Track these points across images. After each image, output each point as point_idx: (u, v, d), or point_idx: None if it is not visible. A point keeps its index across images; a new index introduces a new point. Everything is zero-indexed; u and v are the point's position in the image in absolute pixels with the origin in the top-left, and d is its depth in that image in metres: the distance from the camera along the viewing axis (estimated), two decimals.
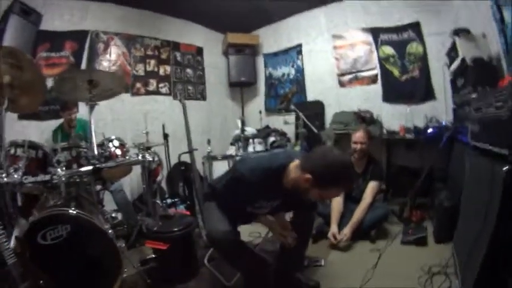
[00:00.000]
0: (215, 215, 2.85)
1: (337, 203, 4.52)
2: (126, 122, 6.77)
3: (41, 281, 2.50)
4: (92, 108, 3.51)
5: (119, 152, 4.10)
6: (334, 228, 4.29)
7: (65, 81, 3.72)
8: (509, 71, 3.28)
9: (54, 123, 5.45)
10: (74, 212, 2.88)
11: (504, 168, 1.93)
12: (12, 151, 3.30)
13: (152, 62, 7.55)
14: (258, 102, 9.34)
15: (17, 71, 3.12)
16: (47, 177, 3.12)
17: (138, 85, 7.25)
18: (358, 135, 4.75)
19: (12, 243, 2.45)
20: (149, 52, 7.52)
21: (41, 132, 5.37)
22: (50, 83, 5.44)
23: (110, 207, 4.99)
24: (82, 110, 5.43)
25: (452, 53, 4.66)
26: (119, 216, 4.92)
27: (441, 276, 3.14)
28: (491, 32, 3.98)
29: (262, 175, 2.63)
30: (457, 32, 4.36)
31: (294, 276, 3.27)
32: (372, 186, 4.56)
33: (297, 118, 6.29)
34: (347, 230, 4.20)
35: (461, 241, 3.01)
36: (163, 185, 6.24)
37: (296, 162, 2.64)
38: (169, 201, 5.77)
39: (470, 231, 2.65)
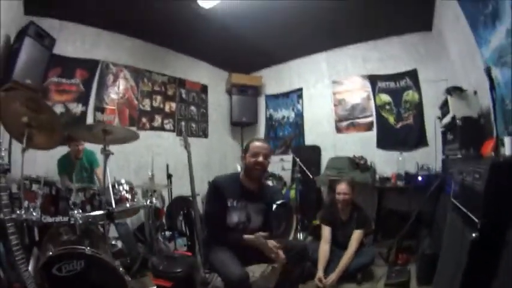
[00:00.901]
0: (224, 259, 3.18)
1: (323, 250, 4.73)
2: (130, 154, 6.84)
3: None
4: (106, 156, 3.76)
5: (128, 196, 4.39)
6: (320, 272, 4.48)
7: (81, 129, 4.02)
8: (496, 132, 3.42)
9: (62, 150, 5.42)
10: (90, 252, 3.10)
11: (473, 235, 2.17)
12: (28, 185, 3.53)
13: (158, 98, 7.72)
14: None
15: (35, 113, 3.42)
16: (65, 218, 3.41)
17: (144, 120, 7.40)
18: (341, 187, 4.93)
19: (31, 272, 2.63)
20: (156, 88, 7.69)
21: (50, 158, 5.36)
22: (58, 109, 5.73)
23: (110, 234, 5.02)
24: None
25: (444, 108, 4.80)
26: (119, 244, 5.06)
27: None
28: (484, 87, 4.01)
29: (225, 178, 3.63)
30: (450, 91, 4.48)
31: None
32: (357, 234, 4.71)
33: (294, 163, 6.44)
34: (334, 276, 4.39)
35: (439, 286, 3.24)
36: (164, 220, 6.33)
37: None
38: (167, 234, 5.90)
39: (445, 278, 2.88)
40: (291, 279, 3.46)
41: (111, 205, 3.84)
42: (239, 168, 6.00)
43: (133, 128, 6.97)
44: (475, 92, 4.32)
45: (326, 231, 4.93)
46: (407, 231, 4.88)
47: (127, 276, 3.33)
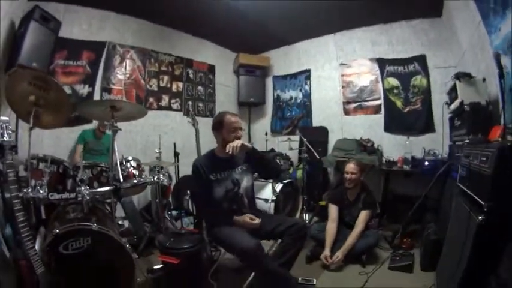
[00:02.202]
0: (232, 232, 3.37)
1: (330, 229, 4.77)
2: (137, 134, 6.95)
3: None
4: (114, 132, 3.71)
5: (136, 172, 4.40)
6: (327, 251, 4.52)
7: (89, 106, 4.01)
8: (504, 119, 3.39)
9: (68, 130, 5.66)
10: (96, 228, 3.11)
11: (479, 218, 2.17)
12: (35, 164, 3.57)
13: (166, 78, 7.74)
14: (265, 123, 9.61)
15: (43, 92, 3.42)
16: (72, 195, 3.37)
17: (151, 100, 7.42)
18: (350, 166, 5.02)
19: (37, 251, 2.61)
20: (163, 68, 7.71)
21: (56, 139, 5.54)
22: (65, 90, 5.52)
23: (117, 214, 5.07)
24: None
25: (452, 93, 4.76)
26: (126, 223, 5.17)
27: None
28: (493, 75, 4.04)
29: (203, 157, 3.87)
30: (458, 76, 4.45)
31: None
32: (363, 215, 4.75)
33: (301, 143, 6.42)
34: (339, 253, 4.41)
35: (442, 271, 3.26)
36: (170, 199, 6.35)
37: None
38: (174, 213, 5.97)
39: (449, 264, 2.89)
40: (287, 256, 3.47)
41: (119, 181, 3.79)
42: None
43: None
44: (484, 79, 4.28)
45: (333, 210, 4.98)
46: (413, 215, 4.88)
47: (134, 254, 3.36)
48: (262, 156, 3.91)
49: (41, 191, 3.24)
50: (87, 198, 3.35)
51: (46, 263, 2.59)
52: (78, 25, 6.14)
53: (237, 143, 3.42)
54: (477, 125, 3.97)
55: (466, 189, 2.82)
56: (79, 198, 3.35)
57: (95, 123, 5.83)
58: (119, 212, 5.06)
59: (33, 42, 4.95)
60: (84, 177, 3.59)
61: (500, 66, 3.20)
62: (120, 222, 5.08)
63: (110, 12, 6.59)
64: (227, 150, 3.40)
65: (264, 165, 3.89)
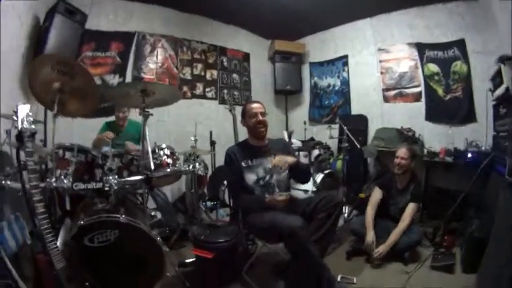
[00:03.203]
0: (274, 215, 3.29)
1: (370, 215, 4.66)
2: (171, 124, 6.93)
3: (87, 283, 2.65)
4: (145, 117, 3.57)
5: (169, 160, 4.17)
6: (370, 235, 4.40)
7: (118, 90, 3.90)
8: None
9: (97, 122, 5.46)
10: (125, 220, 3.03)
11: None
12: (61, 154, 3.44)
13: (199, 66, 7.68)
14: (302, 111, 9.43)
15: (68, 77, 3.26)
16: (99, 185, 3.22)
17: (185, 88, 7.38)
18: (402, 151, 4.80)
19: (60, 244, 2.58)
20: (196, 56, 7.65)
21: (85, 129, 5.39)
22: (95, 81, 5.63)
23: (150, 205, 5.02)
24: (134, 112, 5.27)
25: (496, 79, 4.50)
26: (158, 215, 5.01)
27: None
28: None
29: (235, 145, 4.01)
30: (503, 59, 4.18)
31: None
32: (411, 208, 4.54)
33: (341, 132, 6.34)
34: (382, 249, 4.25)
35: (484, 275, 3.05)
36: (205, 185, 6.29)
37: None
38: (209, 204, 5.90)
39: (493, 265, 2.69)
40: (321, 233, 3.34)
41: (150, 170, 3.59)
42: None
43: None
44: None
45: (377, 194, 4.87)
46: (455, 212, 4.64)
47: (165, 247, 3.29)
48: (303, 167, 3.97)
49: (65, 181, 3.10)
50: (115, 188, 3.20)
51: (68, 257, 2.49)
52: (105, 16, 6.17)
53: (279, 161, 3.54)
54: None
55: None
56: (106, 188, 3.20)
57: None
58: (151, 203, 5.02)
59: (58, 35, 4.98)
60: (113, 166, 3.39)
61: None
62: (152, 214, 4.90)
63: (136, 3, 6.59)
64: (271, 166, 3.61)
65: (302, 172, 3.91)
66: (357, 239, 4.72)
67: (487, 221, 3.73)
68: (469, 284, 3.46)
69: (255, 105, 3.86)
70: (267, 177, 3.71)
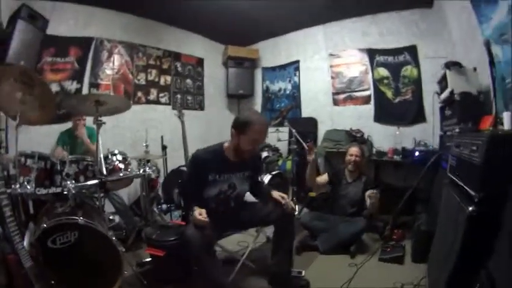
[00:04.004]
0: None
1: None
2: (126, 129, 6.89)
3: (52, 281, 2.71)
4: (99, 126, 3.69)
5: (121, 165, 4.38)
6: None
7: (73, 100, 3.98)
8: (495, 109, 3.37)
9: (55, 128, 5.52)
10: (82, 221, 3.12)
11: (469, 209, 2.12)
12: (23, 161, 3.51)
13: (154, 71, 7.67)
14: None
15: (29, 88, 3.34)
16: (58, 189, 3.41)
17: (139, 94, 7.38)
18: (354, 149, 5.21)
19: (26, 246, 2.60)
20: (151, 62, 7.63)
21: (45, 136, 5.42)
22: (53, 87, 5.68)
23: (107, 210, 5.05)
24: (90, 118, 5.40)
25: (443, 82, 4.76)
26: (116, 218, 5.14)
27: None
28: (484, 65, 4.05)
29: (208, 152, 3.48)
30: (449, 65, 4.44)
31: (286, 273, 3.61)
32: (372, 191, 4.68)
33: (290, 134, 6.50)
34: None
35: (433, 263, 3.22)
36: (159, 191, 6.35)
37: (227, 143, 3.53)
38: (164, 207, 5.94)
39: (440, 255, 2.85)
40: (283, 244, 3.54)
41: (104, 175, 3.82)
42: None
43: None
44: (475, 69, 4.30)
45: (324, 177, 5.29)
46: (403, 207, 4.84)
47: (121, 247, 3.36)
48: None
49: (28, 187, 3.27)
50: (73, 192, 3.39)
51: (34, 257, 2.57)
52: (65, 22, 6.09)
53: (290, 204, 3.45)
54: (467, 114, 3.98)
55: (456, 180, 2.77)
56: (65, 192, 3.39)
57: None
58: (110, 207, 5.07)
59: (21, 41, 4.96)
60: (71, 172, 3.58)
61: (490, 54, 3.18)
62: (110, 217, 5.07)
63: (96, 8, 6.53)
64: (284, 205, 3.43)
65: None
66: (307, 235, 4.96)
67: (432, 215, 3.92)
68: (419, 272, 3.62)
69: (262, 128, 3.33)
70: (229, 192, 3.58)
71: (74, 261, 3.05)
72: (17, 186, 3.20)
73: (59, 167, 3.68)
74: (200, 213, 3.05)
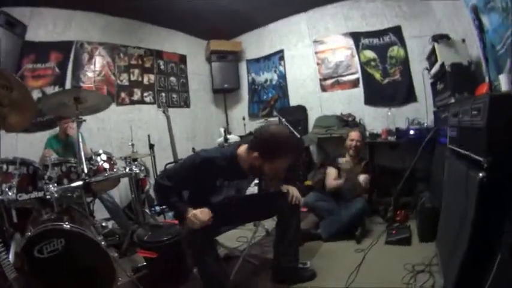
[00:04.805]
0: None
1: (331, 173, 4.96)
2: (112, 131, 6.81)
3: None
4: (79, 124, 3.56)
5: (106, 165, 4.17)
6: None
7: (52, 100, 3.80)
8: (488, 76, 3.31)
9: (40, 135, 5.50)
10: (68, 226, 2.94)
11: (480, 175, 1.99)
12: (4, 168, 3.35)
13: (136, 71, 7.56)
14: (242, 108, 9.44)
15: (7, 90, 3.14)
16: (40, 193, 3.25)
17: (123, 95, 7.25)
18: (355, 134, 5.07)
19: (12, 258, 2.51)
20: (133, 61, 7.53)
21: (30, 144, 5.40)
22: (35, 94, 5.55)
23: (100, 216, 5.04)
24: None
25: (432, 57, 4.72)
26: (110, 224, 5.01)
27: (425, 274, 3.19)
28: (471, 37, 4.08)
29: (220, 158, 2.96)
30: (436, 38, 4.41)
31: (291, 266, 3.39)
32: (363, 177, 4.68)
33: (280, 123, 6.37)
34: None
35: (443, 240, 3.08)
36: (151, 193, 6.19)
37: (244, 146, 3.02)
38: (157, 208, 5.79)
39: (450, 231, 2.70)
40: (288, 236, 3.31)
41: (88, 176, 3.55)
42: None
43: (113, 105, 6.84)
44: (463, 40, 4.24)
45: (332, 171, 5.01)
46: (403, 187, 4.76)
47: (113, 253, 3.26)
48: None
49: (9, 193, 3.11)
50: (56, 195, 3.20)
51: (19, 267, 2.44)
52: (44, 27, 6.01)
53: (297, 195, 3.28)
54: (461, 84, 3.91)
55: (459, 150, 2.65)
56: (48, 197, 3.22)
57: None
58: (104, 213, 5.02)
59: None
60: (53, 175, 3.43)
61: (479, 19, 3.09)
62: (103, 224, 4.93)
63: (74, 11, 6.42)
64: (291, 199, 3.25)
65: None
66: (311, 226, 4.82)
67: (435, 191, 3.82)
68: (428, 251, 3.51)
69: (289, 160, 2.95)
70: (235, 196, 3.29)
71: (64, 270, 2.86)
72: None
73: (41, 172, 3.55)
74: (202, 212, 2.76)
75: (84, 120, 3.61)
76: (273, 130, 2.88)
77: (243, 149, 3.02)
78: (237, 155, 3.03)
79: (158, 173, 4.10)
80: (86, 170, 3.51)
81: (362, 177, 4.68)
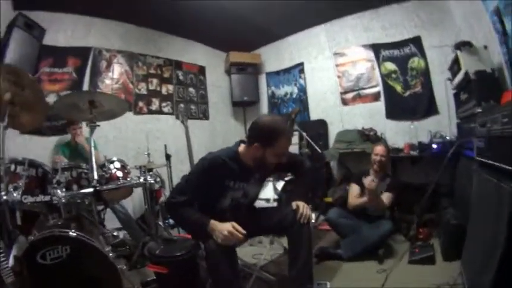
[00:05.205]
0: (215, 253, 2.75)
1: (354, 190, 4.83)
2: (128, 140, 6.75)
3: None
4: (92, 129, 3.46)
5: (120, 174, 4.05)
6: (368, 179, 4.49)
7: (66, 101, 3.71)
8: None
9: (54, 140, 5.51)
10: (74, 234, 2.81)
11: None
12: (13, 168, 3.30)
13: (155, 81, 7.53)
14: None
15: (18, 88, 3.11)
16: (47, 197, 3.16)
17: (141, 104, 7.21)
18: (380, 148, 4.91)
19: (11, 261, 2.44)
20: (152, 71, 7.50)
21: (43, 148, 5.36)
22: (52, 98, 5.47)
23: (112, 226, 4.90)
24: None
25: (454, 66, 4.64)
26: (121, 235, 4.83)
27: None
28: (492, 43, 3.99)
29: (223, 156, 2.99)
30: (459, 46, 4.34)
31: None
32: (388, 196, 4.57)
33: (301, 138, 6.32)
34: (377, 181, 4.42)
35: (470, 260, 2.93)
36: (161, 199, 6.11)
37: (243, 145, 3.03)
38: (171, 221, 5.66)
39: (478, 250, 2.57)
40: (300, 255, 3.02)
41: (100, 183, 3.49)
42: None
43: (130, 113, 6.84)
44: (485, 47, 4.15)
45: (355, 188, 4.85)
46: (426, 204, 4.66)
47: (122, 265, 3.10)
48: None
49: (14, 194, 2.98)
50: (63, 201, 3.10)
51: (18, 272, 2.39)
52: (63, 32, 6.04)
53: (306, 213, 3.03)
54: (486, 93, 3.74)
55: (488, 161, 2.51)
56: (55, 202, 3.11)
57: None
58: (115, 223, 4.89)
59: (16, 49, 4.96)
60: (62, 179, 3.33)
61: (501, 22, 2.99)
62: (115, 234, 4.72)
63: (94, 18, 6.45)
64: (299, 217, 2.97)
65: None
66: (324, 246, 4.61)
67: (461, 207, 3.67)
68: (452, 271, 3.35)
69: (289, 143, 2.96)
70: (241, 200, 3.17)
71: (67, 279, 2.73)
72: (2, 193, 2.86)
73: (51, 175, 3.48)
74: (234, 227, 2.65)
75: (98, 125, 3.50)
76: (264, 118, 2.98)
77: (242, 147, 3.04)
78: (239, 153, 3.03)
79: (168, 195, 3.95)
80: (96, 177, 3.41)
81: (386, 196, 4.55)
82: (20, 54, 4.94)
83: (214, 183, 2.95)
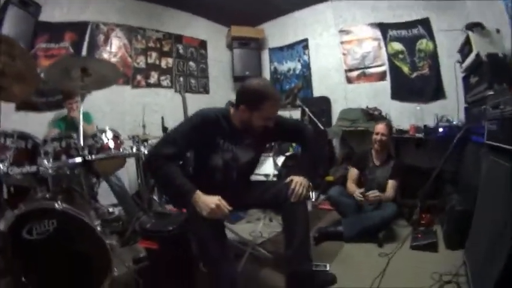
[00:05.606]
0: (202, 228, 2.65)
1: (352, 186, 4.70)
2: (125, 114, 6.67)
3: (24, 278, 2.44)
4: (82, 97, 3.39)
5: (112, 144, 3.82)
6: (359, 190, 4.43)
7: (58, 67, 3.58)
8: None
9: (50, 115, 5.44)
10: (61, 207, 2.69)
11: None
12: (2, 141, 3.15)
13: (154, 54, 7.43)
14: None
15: (9, 59, 2.98)
16: (33, 168, 3.03)
17: (139, 77, 7.13)
18: (381, 127, 4.83)
19: None
20: (151, 44, 7.40)
21: (39, 124, 5.20)
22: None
23: (107, 202, 4.87)
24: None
25: (465, 49, 4.50)
26: (116, 211, 4.78)
27: (452, 285, 2.93)
28: (504, 29, 3.90)
29: (215, 113, 2.91)
30: (471, 27, 4.22)
31: (306, 270, 2.97)
32: (391, 184, 4.54)
33: (303, 114, 6.22)
34: (375, 193, 4.27)
35: (475, 249, 2.82)
36: None
37: (232, 108, 2.97)
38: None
39: (485, 239, 2.44)
40: (296, 234, 2.88)
41: (90, 153, 3.43)
42: None
43: (128, 87, 6.83)
44: (498, 30, 4.03)
45: (353, 172, 4.85)
46: (430, 189, 4.52)
47: (113, 240, 3.00)
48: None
49: (0, 166, 2.89)
50: (50, 171, 3.00)
51: (1, 248, 2.34)
52: (59, 9, 5.91)
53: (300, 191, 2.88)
54: (498, 76, 3.58)
55: (500, 145, 2.38)
56: (41, 173, 2.99)
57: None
58: (112, 199, 4.84)
59: (11, 27, 4.91)
60: (50, 149, 3.20)
61: None
62: (110, 210, 4.72)
63: None
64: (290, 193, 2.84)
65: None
66: (323, 226, 4.48)
67: (466, 192, 3.56)
68: (455, 259, 3.24)
69: (276, 107, 2.88)
70: (231, 163, 3.06)
71: (54, 255, 2.63)
72: None
73: (42, 147, 3.33)
74: (220, 200, 2.54)
75: (89, 92, 3.50)
76: (252, 81, 2.91)
77: (232, 109, 2.97)
78: (228, 112, 2.98)
79: (150, 149, 3.79)
80: (82, 145, 3.34)
81: (390, 185, 4.53)
82: (15, 32, 4.89)
83: (206, 139, 2.90)
